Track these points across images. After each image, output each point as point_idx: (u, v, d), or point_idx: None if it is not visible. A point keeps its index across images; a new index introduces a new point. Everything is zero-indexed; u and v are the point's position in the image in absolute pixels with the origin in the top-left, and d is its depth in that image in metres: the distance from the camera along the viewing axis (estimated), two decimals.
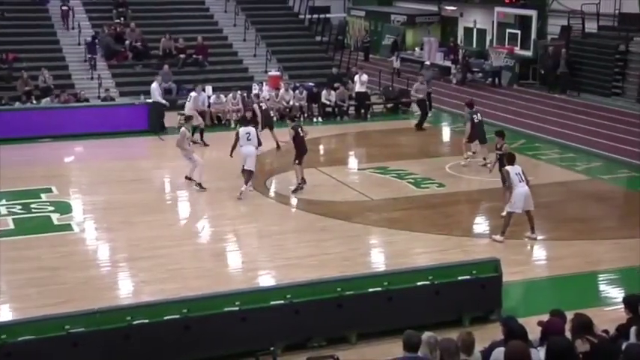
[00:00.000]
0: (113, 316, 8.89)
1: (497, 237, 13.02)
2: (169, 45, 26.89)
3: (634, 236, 13.40)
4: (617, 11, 27.61)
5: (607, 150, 19.67)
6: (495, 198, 15.68)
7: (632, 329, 7.20)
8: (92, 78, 25.17)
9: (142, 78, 25.88)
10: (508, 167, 13.24)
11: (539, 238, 13.66)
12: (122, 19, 27.97)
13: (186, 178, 16.46)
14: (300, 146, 15.79)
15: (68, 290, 11.08)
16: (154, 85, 22.47)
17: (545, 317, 7.42)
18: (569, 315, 7.25)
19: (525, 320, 7.69)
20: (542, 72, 28.76)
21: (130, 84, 25.49)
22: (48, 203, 15.32)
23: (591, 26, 28.14)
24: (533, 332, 7.26)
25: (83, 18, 27.99)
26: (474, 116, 17.84)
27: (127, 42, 26.66)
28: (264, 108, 20.02)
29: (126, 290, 11.45)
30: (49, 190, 16.15)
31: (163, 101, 22.55)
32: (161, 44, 26.92)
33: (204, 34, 27.81)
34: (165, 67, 25.38)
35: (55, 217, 14.51)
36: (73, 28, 27.06)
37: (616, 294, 10.94)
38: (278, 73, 25.84)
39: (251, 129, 15.67)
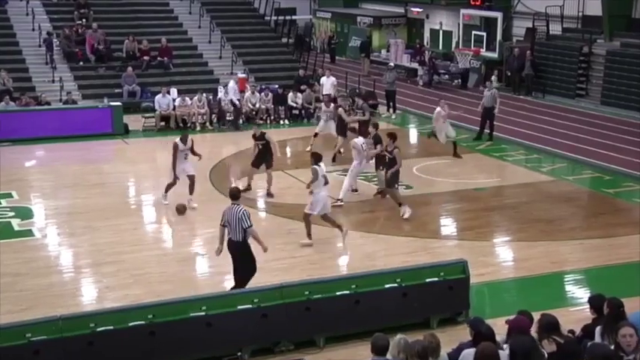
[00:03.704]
0: (76, 322, 8.77)
1: (305, 241, 12.94)
2: (133, 47, 26.66)
3: (598, 236, 13.64)
4: (580, 13, 28.07)
5: (571, 151, 19.96)
6: (463, 199, 15.83)
7: (597, 329, 7.32)
8: (53, 80, 24.83)
9: (105, 80, 25.66)
10: (316, 167, 12.98)
11: (505, 239, 13.84)
12: (84, 20, 27.66)
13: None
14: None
15: (30, 297, 10.92)
16: (231, 84, 22.29)
17: (513, 317, 7.49)
18: (536, 315, 7.34)
19: (493, 321, 7.77)
20: (509, 74, 29.08)
21: (93, 87, 25.21)
22: (8, 209, 15.08)
23: (555, 28, 28.54)
24: (501, 333, 7.32)
25: (44, 19, 27.61)
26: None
27: (90, 44, 26.35)
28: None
29: (89, 296, 11.32)
30: (10, 196, 15.90)
31: (237, 102, 22.57)
32: (124, 46, 26.68)
33: (169, 36, 27.61)
34: (129, 69, 25.16)
35: (16, 223, 14.30)
36: (33, 30, 26.70)
37: (581, 294, 11.10)
38: (244, 75, 25.78)
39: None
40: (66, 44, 26.26)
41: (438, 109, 19.17)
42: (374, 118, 18.86)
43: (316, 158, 13.30)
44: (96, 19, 27.92)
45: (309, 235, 13.03)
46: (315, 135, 19.95)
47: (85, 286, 11.68)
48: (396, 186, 14.84)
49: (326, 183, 13.10)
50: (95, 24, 27.16)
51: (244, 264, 10.49)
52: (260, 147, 16.01)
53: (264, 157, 16.03)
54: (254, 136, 16.18)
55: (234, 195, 10.74)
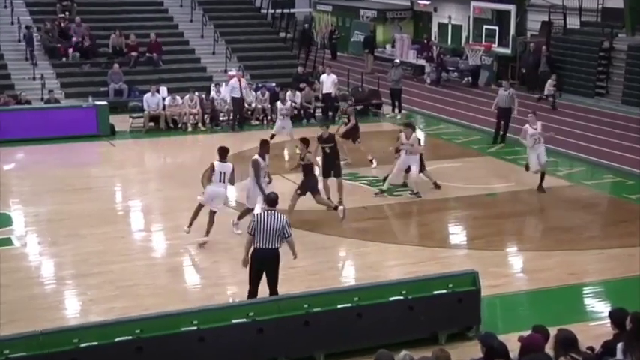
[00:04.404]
0: (59, 338, 8.78)
1: (201, 238, 13.31)
2: (120, 42, 26.71)
3: (619, 246, 13.63)
4: (600, 6, 28.08)
5: (590, 154, 19.97)
6: (473, 206, 15.84)
7: (619, 345, 7.31)
8: (34, 78, 24.89)
9: (90, 78, 25.70)
10: (216, 163, 13.29)
11: (519, 248, 13.85)
12: (67, 13, 27.72)
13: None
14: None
15: (9, 310, 10.91)
16: (233, 81, 22.84)
17: (527, 333, 7.50)
18: (552, 331, 7.34)
19: (506, 337, 7.78)
20: (524, 71, 29.09)
21: (77, 84, 25.26)
22: None
23: (573, 22, 28.57)
24: (514, 350, 7.33)
25: (24, 12, 27.67)
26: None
27: (73, 39, 26.41)
28: None
29: (73, 309, 11.33)
30: None
31: (241, 94, 22.76)
32: (110, 41, 26.73)
33: (158, 31, 27.69)
34: (116, 66, 25.20)
35: None
36: (12, 23, 26.76)
37: (601, 308, 11.11)
38: (239, 73, 25.81)
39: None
40: (47, 39, 26.31)
41: (526, 126, 16.83)
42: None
43: (221, 153, 13.40)
44: (80, 12, 28.00)
45: (191, 223, 13.43)
46: (272, 137, 18.94)
47: (68, 299, 11.68)
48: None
49: (222, 180, 13.24)
50: (79, 17, 27.23)
51: (277, 271, 10.57)
52: (328, 151, 15.05)
53: (332, 162, 15.11)
54: (320, 139, 15.29)
55: (273, 201, 10.75)
